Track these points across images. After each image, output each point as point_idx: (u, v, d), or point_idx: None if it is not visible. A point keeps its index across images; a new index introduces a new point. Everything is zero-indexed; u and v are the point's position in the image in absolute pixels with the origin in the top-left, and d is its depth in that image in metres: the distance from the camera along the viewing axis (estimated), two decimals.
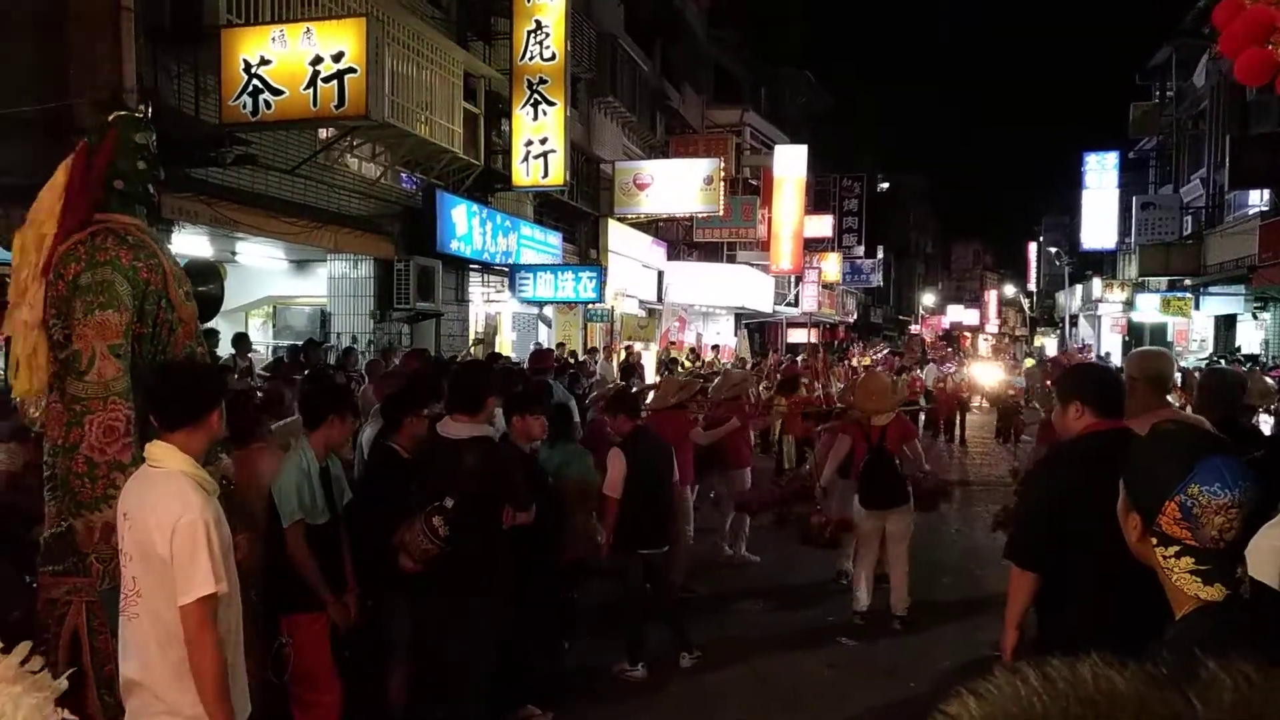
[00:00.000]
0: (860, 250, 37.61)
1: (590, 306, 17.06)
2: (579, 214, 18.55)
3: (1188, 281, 24.97)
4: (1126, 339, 29.38)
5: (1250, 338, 22.71)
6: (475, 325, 14.96)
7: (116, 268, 3.35)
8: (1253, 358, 18.71)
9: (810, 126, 34.61)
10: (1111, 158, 32.44)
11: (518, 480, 4.47)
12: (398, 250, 12.09)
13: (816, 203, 33.43)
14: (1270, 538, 1.96)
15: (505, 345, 15.73)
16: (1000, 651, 3.14)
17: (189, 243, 9.42)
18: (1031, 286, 63.02)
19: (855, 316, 42.23)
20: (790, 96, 34.51)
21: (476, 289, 14.83)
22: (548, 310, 16.89)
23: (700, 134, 25.30)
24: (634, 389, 8.80)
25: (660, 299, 22.47)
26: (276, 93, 8.82)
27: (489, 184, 14.17)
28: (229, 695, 2.63)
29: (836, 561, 7.73)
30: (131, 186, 3.55)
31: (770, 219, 26.76)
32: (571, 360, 13.49)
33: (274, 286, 13.18)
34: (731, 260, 26.90)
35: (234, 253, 10.87)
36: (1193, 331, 25.66)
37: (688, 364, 18.35)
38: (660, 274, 22.42)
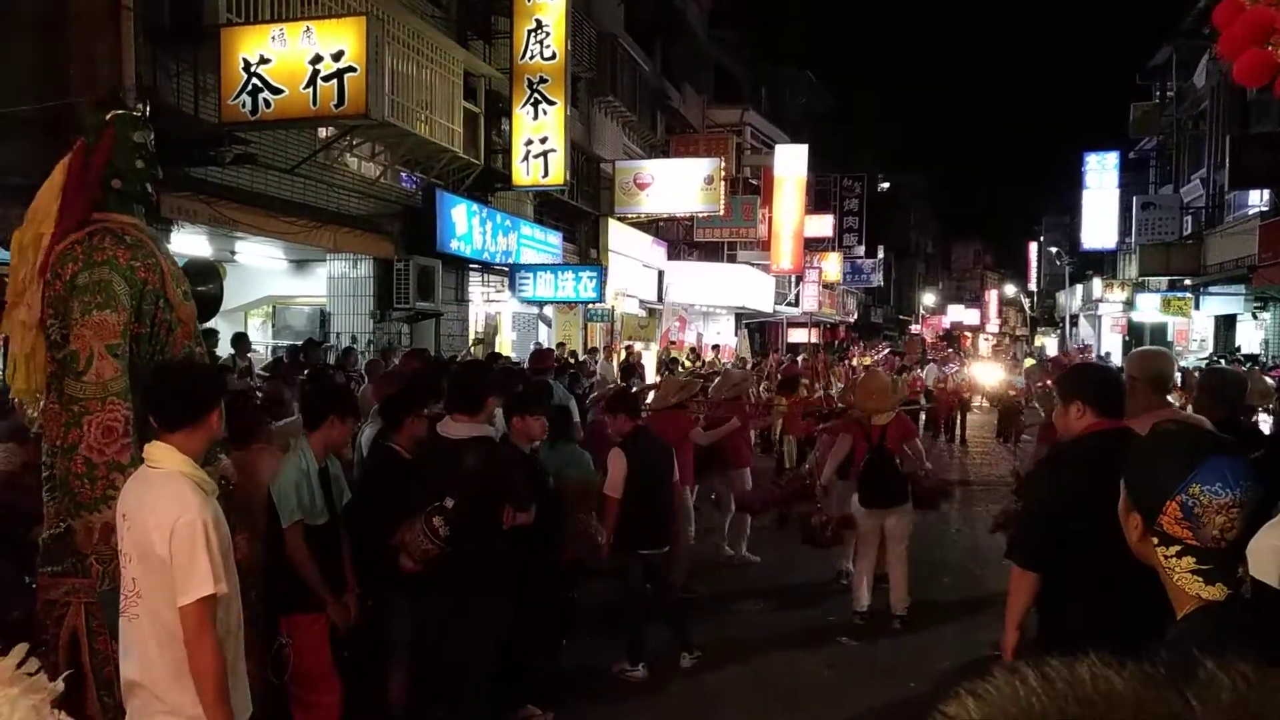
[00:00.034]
0: (861, 250, 37.62)
1: (590, 306, 17.05)
2: (579, 213, 18.54)
3: (1188, 281, 24.98)
4: (1127, 339, 29.39)
5: (1250, 338, 22.71)
6: (475, 325, 14.96)
7: (114, 267, 3.35)
8: (1252, 357, 18.71)
9: (810, 126, 34.62)
10: (1112, 158, 32.46)
11: (518, 480, 4.47)
12: (397, 250, 12.09)
13: (817, 202, 33.43)
14: (1271, 537, 1.95)
15: (505, 345, 15.72)
16: (1000, 651, 3.14)
17: (188, 242, 9.42)
18: (1032, 286, 63.05)
19: (855, 316, 42.24)
20: (790, 96, 34.52)
21: (476, 289, 14.83)
22: (548, 310, 16.89)
23: (701, 134, 25.30)
24: (634, 389, 8.80)
25: (660, 299, 22.46)
26: (276, 92, 8.81)
27: (489, 183, 14.16)
28: (229, 696, 2.62)
29: (836, 561, 7.73)
30: (129, 185, 3.54)
31: (771, 219, 26.76)
32: (572, 360, 13.49)
33: (273, 286, 13.17)
34: (732, 260, 26.90)
35: (233, 252, 10.87)
36: (1193, 331, 25.67)
37: (688, 364, 18.35)
38: (660, 274, 22.42)
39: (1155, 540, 1.62)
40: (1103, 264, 35.40)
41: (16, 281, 3.43)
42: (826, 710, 5.33)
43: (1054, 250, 42.89)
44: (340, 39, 8.77)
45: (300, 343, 11.03)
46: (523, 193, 15.37)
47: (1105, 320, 32.25)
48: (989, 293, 71.98)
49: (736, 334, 29.40)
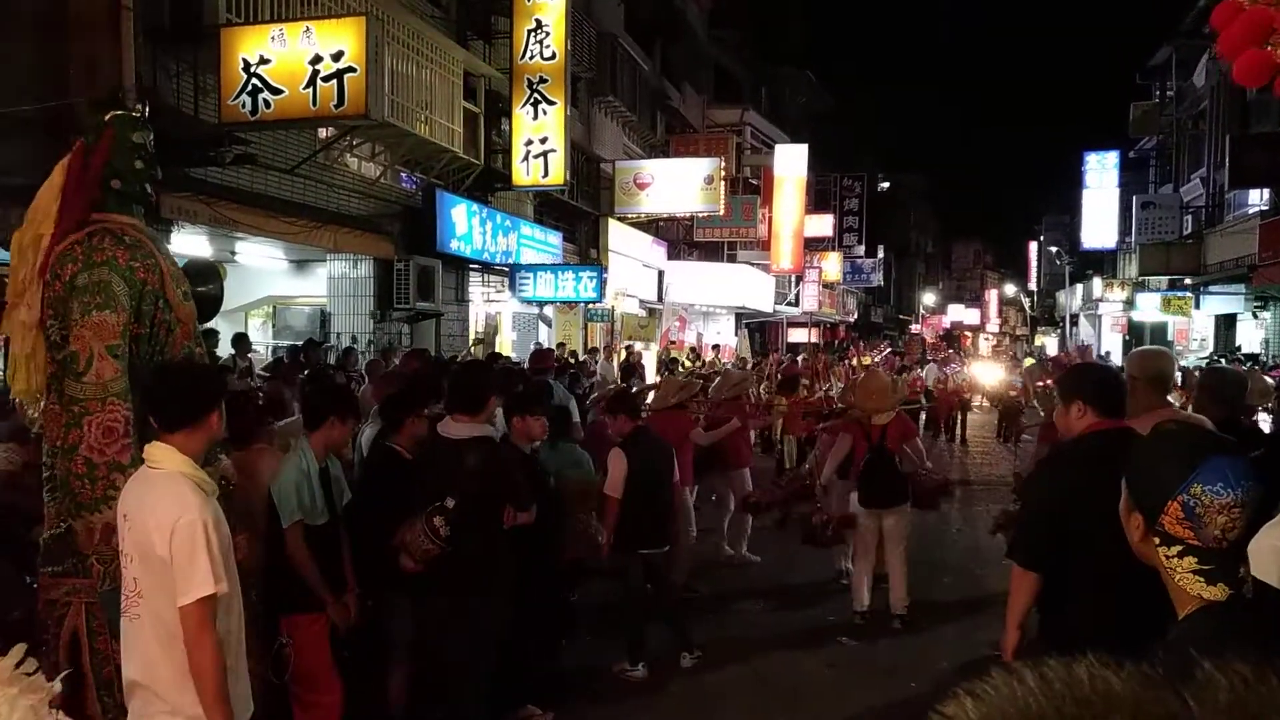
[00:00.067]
0: (861, 250, 37.61)
1: (590, 306, 17.05)
2: (579, 213, 18.54)
3: (1188, 281, 24.99)
4: (1127, 338, 29.41)
5: (1250, 337, 22.72)
6: (475, 325, 14.96)
7: (113, 268, 3.35)
8: (1253, 357, 18.72)
9: (810, 126, 34.62)
10: (1112, 157, 32.47)
11: (518, 480, 4.47)
12: (397, 250, 12.09)
13: (817, 202, 33.43)
14: (1271, 537, 1.95)
15: (505, 345, 15.72)
16: (1001, 651, 3.14)
17: (188, 242, 9.42)
18: (1032, 286, 63.06)
19: (855, 316, 42.24)
20: (790, 96, 34.53)
21: (476, 289, 14.83)
22: (548, 310, 16.89)
23: (701, 133, 25.30)
24: (634, 389, 8.80)
25: (661, 299, 22.46)
26: (276, 92, 8.81)
27: (489, 183, 14.16)
28: (228, 696, 2.63)
29: (836, 561, 7.73)
30: (129, 186, 3.54)
31: (771, 218, 26.76)
32: (572, 360, 13.49)
33: (274, 286, 13.17)
34: (732, 260, 26.90)
35: (233, 252, 10.87)
36: (1193, 331, 25.67)
37: (688, 363, 18.35)
38: (661, 273, 22.42)
39: (1157, 540, 1.62)
40: (1103, 263, 35.41)
41: (16, 282, 3.43)
42: (826, 710, 5.33)
43: (1054, 250, 42.90)
44: (340, 39, 8.77)
45: (300, 343, 11.03)
46: (523, 193, 15.37)
47: (1105, 320, 32.26)
48: (989, 292, 71.99)
49: (736, 334, 29.40)
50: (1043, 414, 8.34)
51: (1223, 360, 17.61)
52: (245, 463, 4.01)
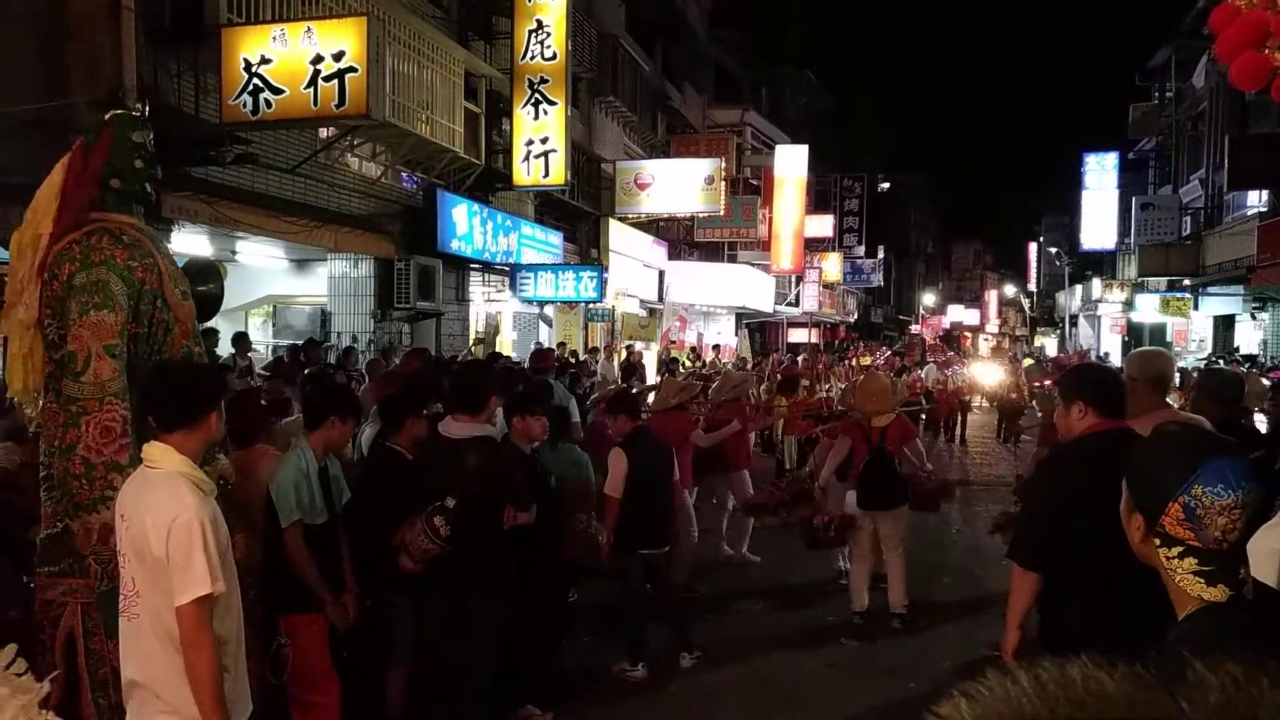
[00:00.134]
0: (861, 250, 37.64)
1: (591, 306, 17.05)
2: (580, 213, 18.54)
3: (1187, 282, 25.00)
4: (1126, 339, 29.41)
5: (1249, 338, 22.74)
6: (476, 325, 14.96)
7: (111, 268, 3.35)
8: (1251, 358, 18.73)
9: (811, 126, 34.62)
10: (1111, 158, 32.49)
11: (519, 480, 4.47)
12: (398, 249, 12.09)
13: (817, 203, 33.43)
14: (1269, 538, 1.95)
15: (506, 345, 15.72)
16: (1001, 652, 3.14)
17: (189, 242, 9.42)
18: (1032, 286, 63.09)
19: (856, 316, 42.24)
20: (791, 96, 34.52)
21: (477, 288, 14.83)
22: (548, 310, 16.89)
23: (701, 134, 25.30)
24: (635, 389, 8.79)
25: (661, 299, 22.46)
26: (277, 92, 8.81)
27: (490, 183, 14.16)
28: (224, 696, 2.62)
29: (836, 561, 7.73)
30: (128, 185, 3.54)
31: (771, 219, 26.76)
32: (572, 360, 13.49)
33: (274, 286, 13.17)
34: (732, 260, 26.91)
35: (234, 252, 10.87)
36: (1192, 332, 25.69)
37: (688, 364, 18.35)
38: (661, 274, 22.42)
39: (1157, 541, 1.62)
40: (1102, 264, 35.42)
41: (15, 281, 3.43)
42: (826, 710, 5.33)
43: (1054, 250, 42.93)
44: (341, 39, 8.77)
45: (301, 342, 11.02)
46: (523, 193, 15.37)
47: (1105, 320, 32.27)
48: (989, 293, 72.00)
49: (737, 334, 29.41)
50: (1041, 415, 8.34)
51: (1221, 361, 17.63)
52: (245, 462, 4.01)
